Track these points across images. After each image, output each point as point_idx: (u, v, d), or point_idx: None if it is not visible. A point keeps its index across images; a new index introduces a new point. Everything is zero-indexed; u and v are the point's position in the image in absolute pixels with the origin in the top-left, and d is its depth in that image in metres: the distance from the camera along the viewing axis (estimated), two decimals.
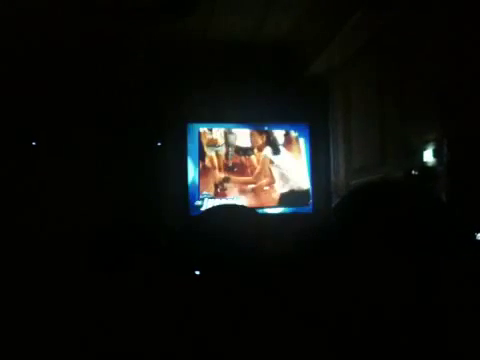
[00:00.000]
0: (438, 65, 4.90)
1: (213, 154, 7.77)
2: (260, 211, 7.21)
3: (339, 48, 6.74)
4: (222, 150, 7.79)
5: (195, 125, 7.81)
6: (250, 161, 7.86)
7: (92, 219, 6.38)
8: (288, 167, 7.91)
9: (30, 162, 7.24)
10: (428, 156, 5.17)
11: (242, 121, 7.92)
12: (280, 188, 7.83)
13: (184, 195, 7.63)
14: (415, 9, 5.32)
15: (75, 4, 6.15)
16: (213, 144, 7.78)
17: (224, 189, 7.71)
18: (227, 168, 7.76)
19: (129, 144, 7.62)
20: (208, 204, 7.55)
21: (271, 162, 7.91)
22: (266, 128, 7.96)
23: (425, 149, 5.22)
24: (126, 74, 7.47)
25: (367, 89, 6.78)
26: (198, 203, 7.65)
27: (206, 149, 7.77)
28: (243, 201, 7.61)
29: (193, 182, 7.69)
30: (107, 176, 7.42)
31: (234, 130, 7.84)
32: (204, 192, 7.71)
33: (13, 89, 7.12)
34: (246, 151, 7.87)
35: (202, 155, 7.73)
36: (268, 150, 7.92)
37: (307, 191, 7.88)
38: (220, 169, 7.74)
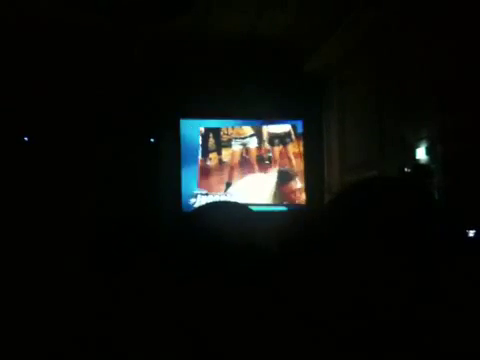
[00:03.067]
0: (435, 62, 4.90)
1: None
2: (253, 207, 7.20)
3: (335, 45, 6.74)
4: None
5: (191, 122, 7.81)
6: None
7: (89, 217, 6.36)
8: None
9: (27, 161, 7.21)
10: (422, 153, 5.19)
11: (237, 117, 7.91)
12: None
13: (177, 192, 7.62)
14: (411, 5, 5.33)
15: (74, 3, 6.13)
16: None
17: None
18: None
19: (124, 141, 7.60)
20: (202, 201, 7.56)
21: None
22: (261, 124, 7.98)
23: (420, 146, 5.23)
24: (123, 72, 7.44)
25: (362, 86, 6.79)
26: (192, 200, 7.65)
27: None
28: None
29: (188, 179, 7.69)
30: (102, 174, 7.41)
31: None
32: (199, 189, 7.70)
33: (11, 87, 7.08)
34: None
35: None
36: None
37: None
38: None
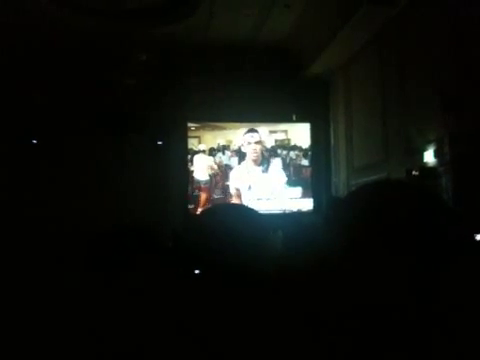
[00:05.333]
0: (440, 64, 4.89)
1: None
2: (261, 210, 7.19)
3: (340, 47, 6.73)
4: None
5: (196, 124, 7.85)
6: None
7: (94, 219, 6.38)
8: None
9: (32, 162, 7.26)
10: (429, 155, 5.17)
11: (243, 120, 7.92)
12: None
13: (185, 193, 7.64)
14: (416, 7, 5.32)
15: (78, 6, 6.18)
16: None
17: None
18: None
19: (131, 143, 7.63)
20: None
21: None
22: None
23: (427, 148, 5.22)
24: (128, 75, 7.48)
25: (368, 88, 6.78)
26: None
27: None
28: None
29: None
30: (109, 176, 7.43)
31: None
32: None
33: (16, 90, 7.13)
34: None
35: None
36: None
37: None
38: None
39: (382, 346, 0.82)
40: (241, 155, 7.81)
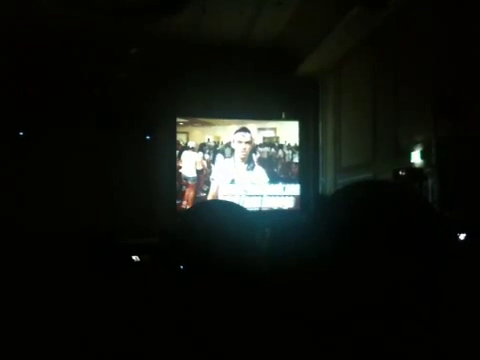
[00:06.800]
0: (435, 66, 4.91)
1: None
2: (250, 208, 7.22)
3: (332, 47, 6.75)
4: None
5: (185, 119, 7.83)
6: None
7: (89, 218, 6.35)
8: None
9: (20, 155, 7.19)
10: (417, 157, 5.21)
11: (232, 117, 7.91)
12: None
13: (172, 188, 7.62)
14: (412, 9, 5.35)
15: (73, 3, 6.13)
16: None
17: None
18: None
19: (121, 138, 7.58)
20: None
21: None
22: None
23: (414, 150, 5.26)
24: (119, 69, 7.43)
25: (360, 88, 6.81)
26: None
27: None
28: None
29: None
30: (99, 170, 7.39)
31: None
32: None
33: (10, 83, 7.05)
34: None
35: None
36: None
37: None
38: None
39: (382, 346, 0.82)
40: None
